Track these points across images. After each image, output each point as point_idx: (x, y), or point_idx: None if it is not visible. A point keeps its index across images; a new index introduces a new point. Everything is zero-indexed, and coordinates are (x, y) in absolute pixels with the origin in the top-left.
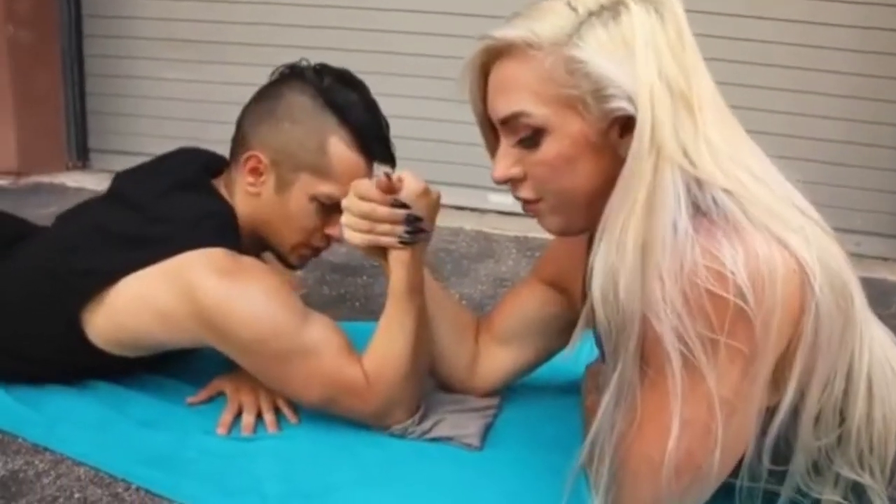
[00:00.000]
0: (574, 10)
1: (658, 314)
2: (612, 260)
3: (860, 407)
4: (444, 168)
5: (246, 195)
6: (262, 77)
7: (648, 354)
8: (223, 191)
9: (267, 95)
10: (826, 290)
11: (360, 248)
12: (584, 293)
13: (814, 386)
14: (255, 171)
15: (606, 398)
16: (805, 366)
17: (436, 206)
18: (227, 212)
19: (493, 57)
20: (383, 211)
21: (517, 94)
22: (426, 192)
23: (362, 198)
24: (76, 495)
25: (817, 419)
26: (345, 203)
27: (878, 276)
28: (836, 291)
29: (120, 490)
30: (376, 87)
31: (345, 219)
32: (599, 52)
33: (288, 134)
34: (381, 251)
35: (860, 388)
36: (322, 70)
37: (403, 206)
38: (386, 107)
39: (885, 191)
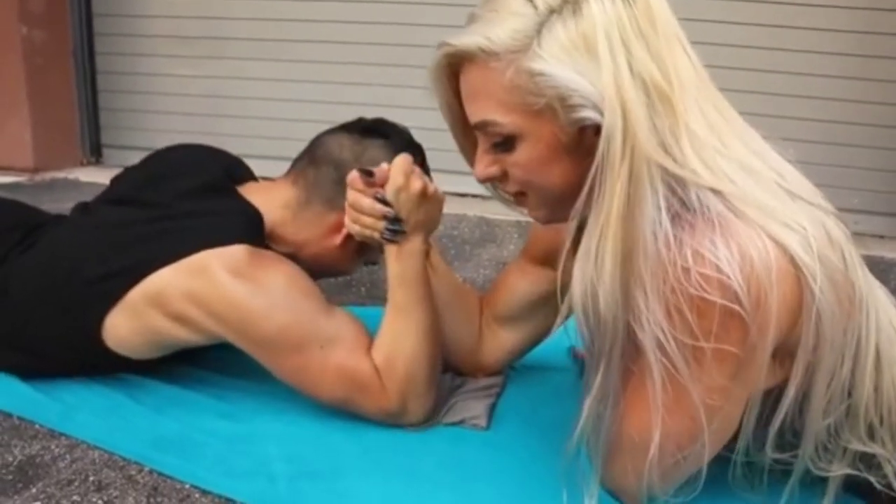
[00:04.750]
0: (535, 6)
1: (641, 324)
2: (590, 273)
3: (868, 382)
4: (447, 156)
5: (313, 237)
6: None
7: (633, 356)
8: (251, 199)
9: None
10: (827, 290)
11: (355, 235)
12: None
13: (819, 382)
14: (349, 238)
15: (589, 400)
16: (806, 366)
17: (417, 199)
18: (256, 215)
19: (457, 62)
20: (366, 202)
21: (484, 102)
22: (404, 188)
23: (350, 187)
24: (91, 478)
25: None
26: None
27: (875, 254)
28: (839, 289)
29: (133, 472)
30: (382, 79)
31: (347, 200)
32: (560, 60)
33: None
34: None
35: (868, 365)
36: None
37: (386, 203)
38: (392, 98)
39: (881, 170)
